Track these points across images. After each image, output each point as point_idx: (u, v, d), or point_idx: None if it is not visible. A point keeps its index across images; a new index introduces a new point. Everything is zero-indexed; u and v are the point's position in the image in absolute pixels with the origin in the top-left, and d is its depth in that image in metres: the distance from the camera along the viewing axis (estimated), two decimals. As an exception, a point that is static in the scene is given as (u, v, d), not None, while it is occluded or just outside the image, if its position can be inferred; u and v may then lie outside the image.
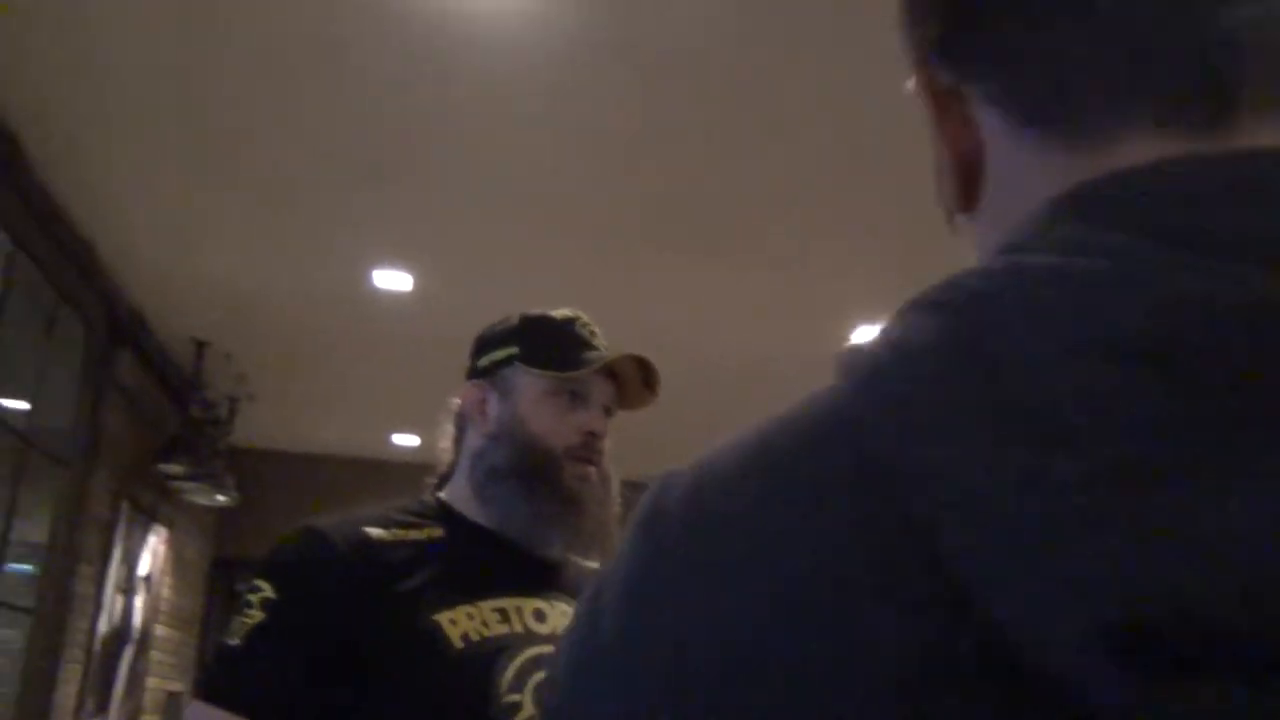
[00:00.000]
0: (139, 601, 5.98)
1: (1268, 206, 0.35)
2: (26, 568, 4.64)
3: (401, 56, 3.08)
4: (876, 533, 0.34)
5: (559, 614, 1.27)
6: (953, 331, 0.36)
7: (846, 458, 0.36)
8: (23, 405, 4.41)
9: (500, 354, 1.33)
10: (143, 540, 5.97)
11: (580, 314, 1.38)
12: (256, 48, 3.08)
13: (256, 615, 1.17)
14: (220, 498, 6.40)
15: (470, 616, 1.20)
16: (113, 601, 5.51)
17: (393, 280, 4.69)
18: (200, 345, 5.69)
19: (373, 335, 5.44)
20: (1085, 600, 0.30)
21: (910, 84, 0.47)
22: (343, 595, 1.19)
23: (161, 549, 6.30)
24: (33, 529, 4.64)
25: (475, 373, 1.36)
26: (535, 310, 1.38)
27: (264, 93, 3.33)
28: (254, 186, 3.95)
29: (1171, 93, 0.39)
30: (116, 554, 5.46)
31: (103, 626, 5.37)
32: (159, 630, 6.40)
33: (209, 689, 1.19)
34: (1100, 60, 0.40)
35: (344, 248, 4.45)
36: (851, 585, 0.34)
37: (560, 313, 1.37)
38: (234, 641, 1.17)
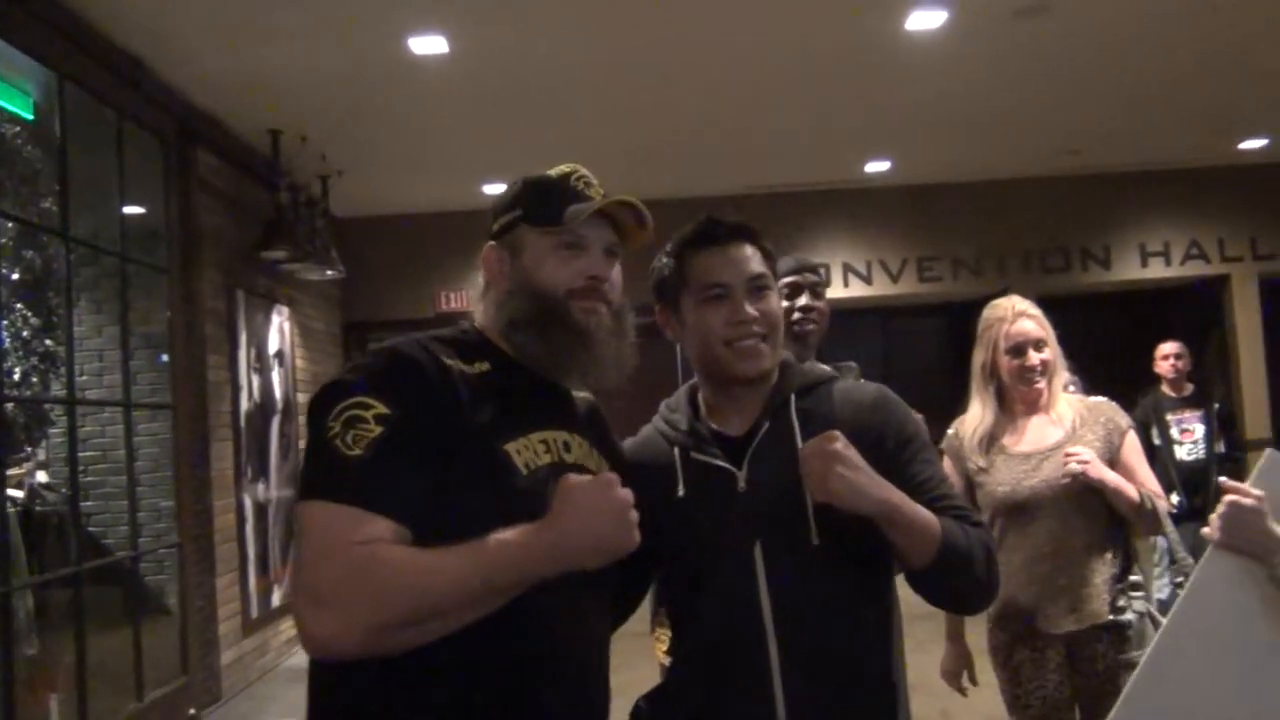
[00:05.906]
0: (276, 376, 6.50)
1: None
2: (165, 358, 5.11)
3: None
4: None
5: (578, 445, 1.44)
6: None
7: None
8: (114, 221, 4.71)
9: (507, 218, 1.47)
10: (267, 322, 6.42)
11: (577, 167, 1.48)
12: None
13: (375, 429, 1.24)
14: (329, 272, 6.77)
15: (526, 447, 1.35)
16: (250, 381, 6.02)
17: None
18: (275, 134, 5.88)
19: (441, 95, 5.53)
20: None
21: None
22: (440, 419, 1.29)
23: (287, 326, 6.77)
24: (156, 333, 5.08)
25: (492, 236, 1.49)
26: (535, 173, 1.50)
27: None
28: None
29: None
30: (242, 339, 5.91)
31: (245, 404, 5.91)
32: (301, 398, 6.97)
33: (341, 494, 1.22)
34: None
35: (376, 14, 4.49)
36: None
37: (558, 170, 1.48)
38: (356, 452, 1.22)
